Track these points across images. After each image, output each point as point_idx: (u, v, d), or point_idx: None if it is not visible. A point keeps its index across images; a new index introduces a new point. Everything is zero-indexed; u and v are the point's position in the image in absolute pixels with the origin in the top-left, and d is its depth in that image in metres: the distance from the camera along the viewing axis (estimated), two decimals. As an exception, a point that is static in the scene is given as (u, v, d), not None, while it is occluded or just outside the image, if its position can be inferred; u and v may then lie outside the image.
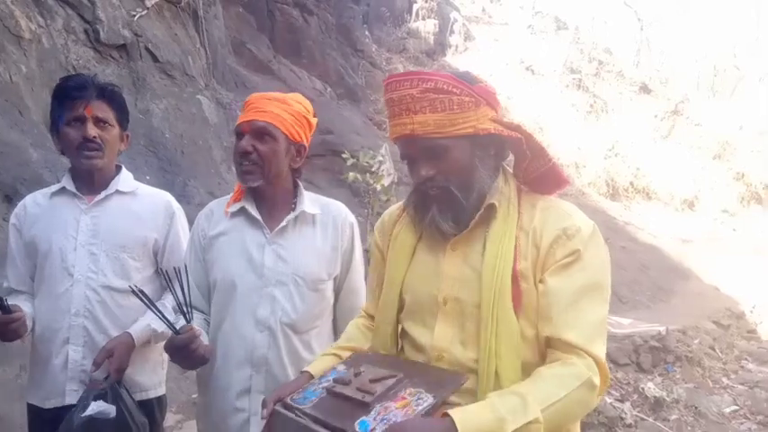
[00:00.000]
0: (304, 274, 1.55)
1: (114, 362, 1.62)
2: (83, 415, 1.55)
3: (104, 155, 1.69)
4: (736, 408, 4.77)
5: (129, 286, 1.46)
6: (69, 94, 1.66)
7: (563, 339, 1.06)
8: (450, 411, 0.97)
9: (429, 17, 13.37)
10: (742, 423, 4.57)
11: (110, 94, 1.72)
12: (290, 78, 8.67)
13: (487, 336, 1.09)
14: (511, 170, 1.25)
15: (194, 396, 3.50)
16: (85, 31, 5.28)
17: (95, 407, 1.55)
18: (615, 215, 11.31)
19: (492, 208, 1.16)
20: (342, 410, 0.99)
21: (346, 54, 10.43)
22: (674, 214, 13.18)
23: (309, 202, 1.62)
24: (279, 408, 1.10)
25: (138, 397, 1.74)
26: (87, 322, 1.67)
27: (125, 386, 1.66)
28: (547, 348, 1.10)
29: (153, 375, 1.82)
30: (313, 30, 9.75)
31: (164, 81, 5.87)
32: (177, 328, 1.31)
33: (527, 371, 1.08)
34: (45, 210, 1.72)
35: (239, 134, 1.55)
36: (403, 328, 1.26)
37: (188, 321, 1.32)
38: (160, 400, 1.85)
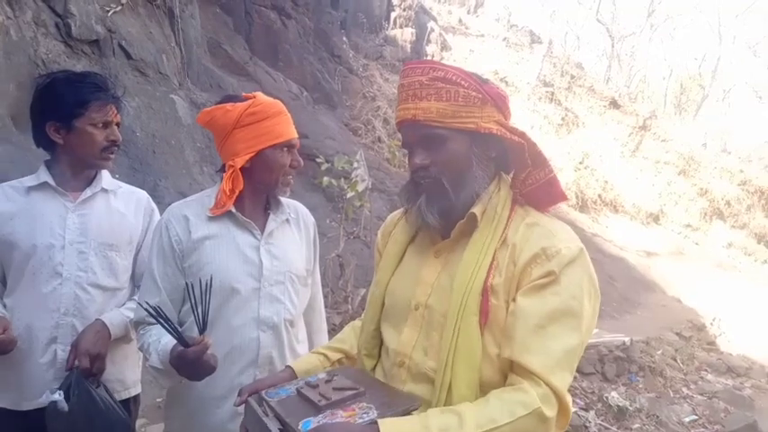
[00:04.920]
0: (296, 270, 1.62)
1: (80, 349, 1.59)
2: (40, 399, 1.54)
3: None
4: (695, 417, 4.90)
5: (138, 303, 1.48)
6: (97, 96, 1.64)
7: (522, 363, 1.01)
8: (380, 421, 0.95)
9: (406, 26, 13.46)
10: (700, 432, 4.70)
11: (119, 100, 1.75)
12: (266, 81, 8.61)
13: (447, 345, 1.06)
14: (510, 180, 1.21)
15: (159, 400, 3.43)
16: (56, 25, 5.16)
17: (51, 395, 1.52)
18: (584, 227, 11.53)
19: (473, 218, 1.13)
20: (297, 410, 1.03)
21: (323, 59, 10.42)
22: (640, 227, 13.52)
23: (286, 205, 1.68)
24: (251, 399, 1.14)
25: (118, 396, 1.71)
26: (76, 321, 1.64)
27: (104, 384, 1.63)
28: (509, 371, 1.05)
29: (131, 373, 1.79)
30: (291, 33, 9.71)
31: (137, 79, 5.77)
32: (188, 340, 1.29)
33: (486, 390, 1.04)
34: (22, 206, 1.64)
35: (290, 147, 1.60)
36: (381, 330, 1.25)
37: (202, 332, 1.29)
38: (136, 399, 1.83)
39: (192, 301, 1.28)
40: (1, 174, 3.71)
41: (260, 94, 1.61)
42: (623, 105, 17.01)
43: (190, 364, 1.31)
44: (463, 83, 1.11)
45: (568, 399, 1.02)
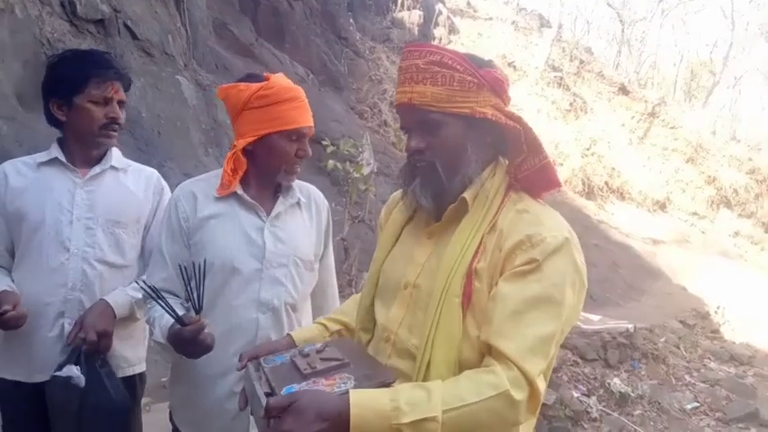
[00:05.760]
0: (302, 255, 1.60)
1: (87, 325, 1.60)
2: (55, 374, 1.56)
3: (117, 136, 1.72)
4: (697, 404, 4.91)
5: (136, 281, 1.52)
6: (97, 72, 1.64)
7: (495, 347, 1.02)
8: (351, 390, 0.98)
9: (414, 8, 13.30)
10: (701, 419, 4.71)
11: (126, 78, 1.73)
12: (272, 63, 8.55)
13: (429, 323, 1.09)
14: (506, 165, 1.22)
15: (164, 379, 3.47)
16: (62, 4, 5.13)
17: (67, 370, 1.55)
18: (589, 213, 11.49)
19: (464, 202, 1.14)
20: (285, 376, 1.08)
21: (330, 41, 10.33)
22: (647, 215, 13.46)
23: (298, 189, 1.65)
24: (250, 365, 1.20)
25: (122, 372, 1.73)
26: (83, 296, 1.65)
27: (108, 362, 1.65)
28: (486, 354, 1.07)
29: (136, 351, 1.81)
30: (297, 15, 9.62)
31: (142, 59, 5.74)
32: (184, 319, 1.32)
33: (465, 369, 1.06)
34: (32, 181, 1.67)
35: (300, 136, 1.56)
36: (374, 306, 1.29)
37: (198, 312, 1.32)
38: (141, 377, 1.84)
39: (186, 283, 1.30)
40: (7, 152, 3.71)
41: (277, 77, 1.57)
42: (632, 91, 16.82)
43: (186, 342, 1.34)
44: (459, 67, 1.11)
45: (540, 384, 1.04)
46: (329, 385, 1.02)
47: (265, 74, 1.58)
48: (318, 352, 1.14)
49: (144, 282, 1.38)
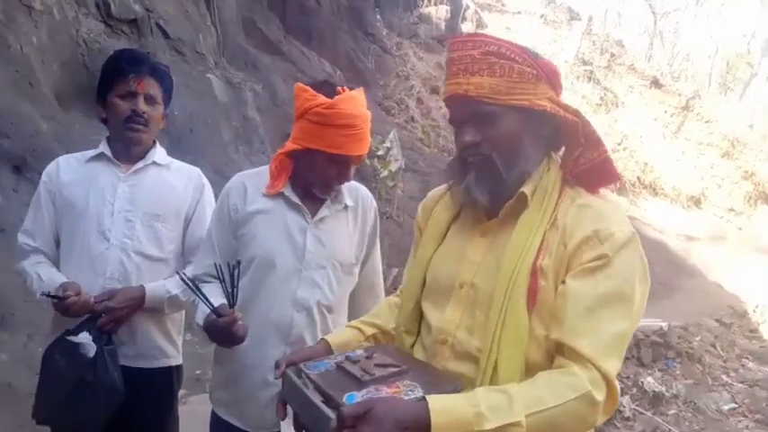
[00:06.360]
0: (341, 258, 1.60)
1: (111, 300, 1.63)
2: (67, 337, 1.59)
3: (149, 130, 1.76)
4: (735, 405, 4.78)
5: (176, 272, 1.56)
6: (124, 68, 1.70)
7: (571, 346, 0.98)
8: (428, 396, 0.95)
9: (441, 3, 13.23)
10: (740, 421, 4.58)
11: (161, 74, 1.78)
12: (300, 60, 8.62)
13: (493, 325, 1.05)
14: (559, 160, 1.18)
15: (198, 372, 3.54)
16: (97, 5, 5.26)
17: (83, 337, 1.58)
18: (621, 209, 11.27)
19: (523, 197, 1.10)
20: (339, 383, 1.04)
21: (357, 37, 10.35)
22: (681, 211, 13.15)
23: (347, 193, 1.64)
24: (289, 371, 1.14)
25: (159, 363, 1.77)
26: (120, 286, 1.69)
27: (114, 343, 1.66)
28: (555, 354, 1.03)
29: (174, 343, 1.84)
30: (324, 12, 9.67)
31: (174, 58, 5.85)
32: (220, 311, 1.37)
33: (532, 372, 1.02)
34: (81, 174, 1.75)
35: (346, 162, 1.53)
36: (421, 308, 1.24)
37: (231, 306, 1.37)
38: (179, 370, 1.88)
39: (222, 280, 1.35)
40: (47, 150, 3.83)
41: (345, 99, 1.51)
42: (665, 85, 16.44)
43: (219, 332, 1.41)
44: (517, 58, 1.08)
45: (617, 384, 1.00)
46: (393, 392, 0.98)
47: (339, 88, 1.55)
48: (369, 358, 1.10)
49: (184, 273, 1.41)
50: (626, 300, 1.02)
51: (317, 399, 1.01)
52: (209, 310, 1.42)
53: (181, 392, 2.21)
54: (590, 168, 1.12)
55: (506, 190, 1.11)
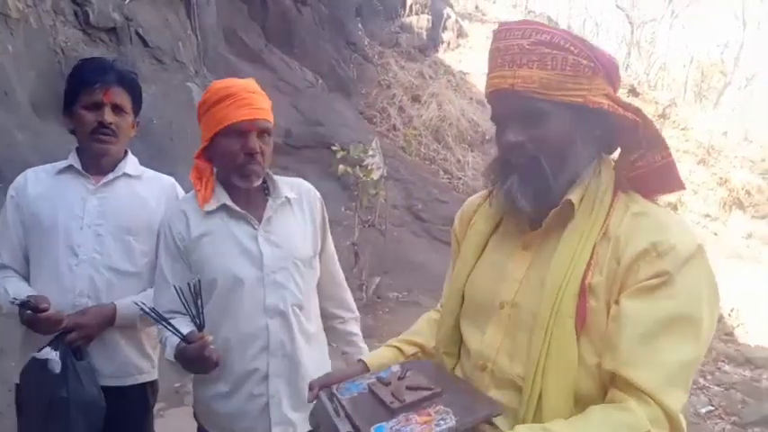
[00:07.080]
0: (299, 254, 1.58)
1: (81, 317, 1.61)
2: (34, 355, 1.56)
3: (118, 141, 1.70)
4: (712, 408, 4.86)
5: (135, 302, 1.51)
6: (89, 78, 1.65)
7: (627, 378, 0.86)
8: None
9: (422, 12, 13.33)
10: (716, 423, 4.66)
11: (129, 82, 1.72)
12: (281, 68, 8.61)
13: (537, 350, 0.93)
14: (612, 162, 1.05)
15: (177, 385, 3.49)
16: (75, 13, 5.20)
17: (46, 353, 1.55)
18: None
19: (569, 205, 0.98)
20: (369, 410, 0.97)
21: (338, 46, 10.38)
22: (658, 217, 13.33)
23: (286, 187, 1.62)
24: (322, 394, 1.09)
25: (132, 381, 1.74)
26: (91, 302, 1.66)
27: (88, 358, 1.64)
28: (609, 385, 0.90)
29: (149, 358, 1.81)
30: (306, 20, 9.68)
31: (153, 66, 5.81)
32: (188, 338, 1.33)
33: (583, 404, 0.90)
34: (49, 187, 1.70)
35: (241, 132, 1.48)
36: (460, 327, 1.13)
37: (200, 329, 1.33)
38: (153, 385, 1.85)
39: (185, 304, 1.31)
40: (23, 159, 3.77)
41: (221, 80, 1.56)
42: (642, 93, 16.72)
43: (191, 360, 1.36)
44: (573, 48, 0.95)
45: (682, 420, 0.88)
46: (424, 422, 0.90)
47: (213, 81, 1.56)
48: (401, 379, 1.03)
49: (143, 304, 1.37)
50: (691, 323, 0.89)
51: (344, 428, 0.96)
52: (176, 344, 1.39)
53: (159, 406, 2.19)
54: (649, 172, 1.00)
55: (552, 197, 0.99)
